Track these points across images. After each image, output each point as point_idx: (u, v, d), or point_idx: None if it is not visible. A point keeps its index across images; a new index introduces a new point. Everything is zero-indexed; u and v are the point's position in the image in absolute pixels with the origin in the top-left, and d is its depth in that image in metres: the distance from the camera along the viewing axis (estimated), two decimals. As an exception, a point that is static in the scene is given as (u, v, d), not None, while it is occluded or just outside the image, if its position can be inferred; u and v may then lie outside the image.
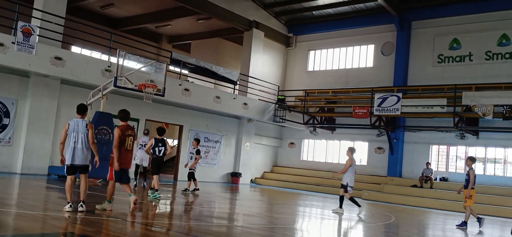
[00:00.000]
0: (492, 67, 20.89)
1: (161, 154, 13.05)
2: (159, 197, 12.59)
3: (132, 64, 16.29)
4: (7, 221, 7.49)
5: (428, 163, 21.61)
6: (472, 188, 12.07)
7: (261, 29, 25.70)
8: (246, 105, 22.72)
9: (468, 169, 12.27)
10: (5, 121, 16.27)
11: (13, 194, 11.52)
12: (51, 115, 17.14)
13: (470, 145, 21.21)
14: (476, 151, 21.25)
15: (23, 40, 14.85)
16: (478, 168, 21.17)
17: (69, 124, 8.66)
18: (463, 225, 12.16)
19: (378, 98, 21.07)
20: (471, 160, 12.40)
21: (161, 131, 13.23)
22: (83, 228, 7.50)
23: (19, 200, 10.42)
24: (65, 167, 8.61)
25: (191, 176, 15.63)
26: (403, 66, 23.21)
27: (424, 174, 21.27)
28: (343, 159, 25.15)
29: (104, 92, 15.24)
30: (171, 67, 20.13)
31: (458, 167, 21.76)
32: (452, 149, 21.98)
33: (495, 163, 20.86)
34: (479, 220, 12.27)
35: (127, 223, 8.52)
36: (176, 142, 27.26)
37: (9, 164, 16.42)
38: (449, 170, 21.86)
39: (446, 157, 22.15)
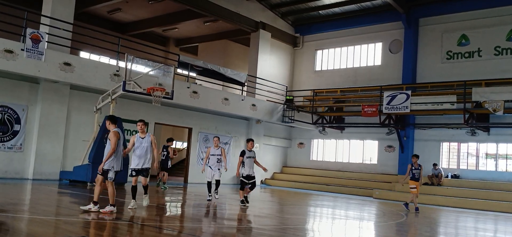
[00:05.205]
0: (502, 62, 20.71)
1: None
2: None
3: (140, 68, 16.40)
4: (21, 227, 7.55)
5: (435, 164, 21.33)
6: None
7: (268, 30, 25.69)
8: (255, 106, 22.72)
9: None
10: (16, 127, 16.41)
11: (25, 199, 11.60)
12: (61, 120, 17.26)
13: (481, 142, 21.02)
14: (488, 147, 21.07)
15: (32, 47, 14.97)
16: (489, 164, 21.01)
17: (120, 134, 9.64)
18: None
19: (387, 96, 20.97)
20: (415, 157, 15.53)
21: None
22: (97, 232, 7.53)
23: (32, 205, 10.49)
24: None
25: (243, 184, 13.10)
26: (411, 64, 23.09)
27: (433, 174, 21.08)
28: (353, 158, 25.18)
29: (113, 97, 15.35)
30: (179, 70, 20.22)
31: (470, 164, 21.55)
32: (463, 146, 21.79)
33: (507, 159, 20.65)
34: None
35: (138, 226, 8.55)
36: (185, 144, 27.32)
37: (21, 170, 16.55)
38: (460, 167, 21.68)
39: (457, 154, 21.97)
